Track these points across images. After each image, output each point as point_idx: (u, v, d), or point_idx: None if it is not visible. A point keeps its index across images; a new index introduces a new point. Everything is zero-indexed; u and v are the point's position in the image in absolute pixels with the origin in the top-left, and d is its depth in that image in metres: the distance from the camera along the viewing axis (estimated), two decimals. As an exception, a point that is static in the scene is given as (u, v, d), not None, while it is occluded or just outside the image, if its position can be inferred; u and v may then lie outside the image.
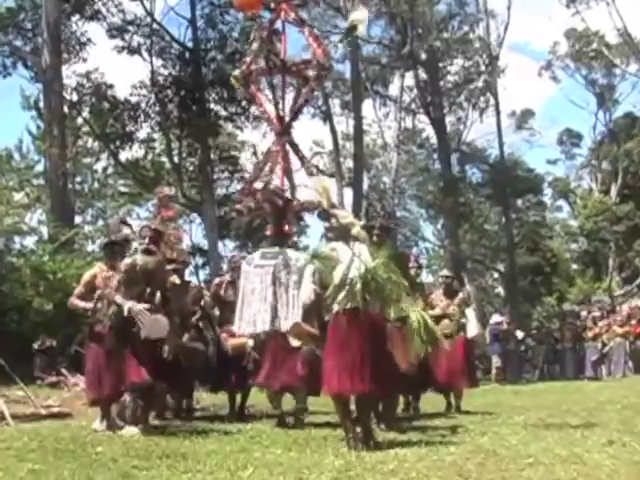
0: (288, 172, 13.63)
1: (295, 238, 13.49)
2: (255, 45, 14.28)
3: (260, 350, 12.26)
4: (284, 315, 11.72)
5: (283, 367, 11.55)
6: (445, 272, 15.55)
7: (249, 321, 11.95)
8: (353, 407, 9.12)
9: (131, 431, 9.99)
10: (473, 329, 14.59)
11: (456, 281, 15.96)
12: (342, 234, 9.15)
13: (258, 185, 13.50)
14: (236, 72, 14.35)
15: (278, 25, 14.16)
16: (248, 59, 14.12)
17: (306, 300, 9.06)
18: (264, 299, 11.84)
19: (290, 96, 14.62)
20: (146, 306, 10.12)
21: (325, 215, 9.58)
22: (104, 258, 11.58)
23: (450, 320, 14.01)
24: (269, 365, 11.69)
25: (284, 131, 13.66)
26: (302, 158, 14.15)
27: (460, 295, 14.74)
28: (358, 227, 9.32)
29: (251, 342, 12.65)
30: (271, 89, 14.09)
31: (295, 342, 10.88)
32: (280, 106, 13.80)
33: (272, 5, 13.99)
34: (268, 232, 12.90)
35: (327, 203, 9.60)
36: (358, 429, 8.73)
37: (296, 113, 13.97)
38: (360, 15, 14.40)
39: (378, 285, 8.64)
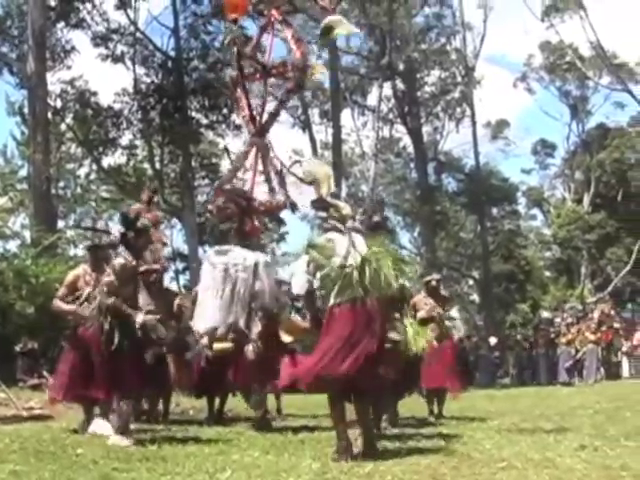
0: (266, 174, 13.60)
1: (262, 238, 13.44)
2: (247, 50, 14.30)
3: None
4: (234, 313, 11.68)
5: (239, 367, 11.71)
6: (434, 275, 14.99)
7: (203, 318, 11.91)
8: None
9: (124, 441, 9.32)
10: (460, 330, 14.37)
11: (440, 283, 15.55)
12: (340, 225, 8.67)
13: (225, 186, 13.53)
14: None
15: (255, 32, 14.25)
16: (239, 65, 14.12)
17: (299, 291, 8.59)
18: (218, 296, 11.78)
19: (270, 99, 14.64)
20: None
21: (324, 204, 8.98)
22: (89, 261, 11.24)
23: (437, 323, 13.75)
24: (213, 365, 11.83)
25: (258, 133, 13.62)
26: (271, 159, 14.08)
27: (446, 297, 14.47)
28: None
29: (205, 340, 12.60)
30: (244, 92, 14.02)
31: (287, 337, 10.73)
32: (255, 108, 13.79)
33: (265, 12, 13.98)
34: (232, 232, 12.87)
35: (327, 192, 9.10)
36: (350, 436, 8.27)
37: (273, 115, 13.94)
38: (338, 18, 14.32)
39: (377, 274, 8.24)
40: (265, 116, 13.88)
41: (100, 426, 10.21)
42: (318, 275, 8.37)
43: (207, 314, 11.86)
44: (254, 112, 13.77)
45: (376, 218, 10.19)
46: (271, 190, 13.49)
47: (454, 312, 14.44)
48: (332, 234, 8.57)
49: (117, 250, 10.08)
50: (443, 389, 13.91)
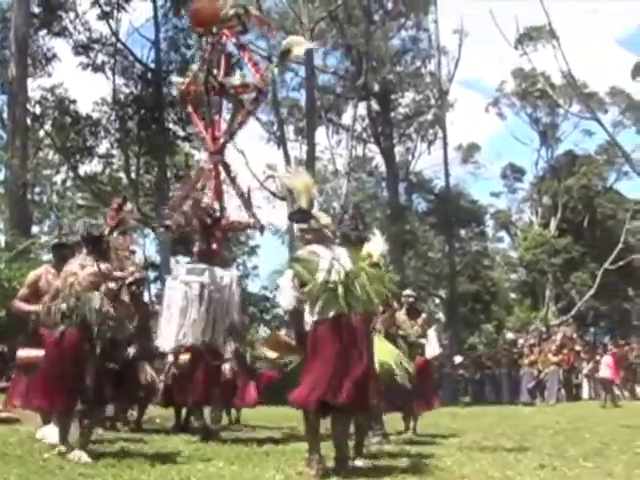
0: (219, 192, 13.51)
1: (227, 257, 13.32)
2: (195, 66, 14.27)
3: (181, 366, 12.19)
4: (208, 332, 11.54)
5: (197, 383, 11.56)
6: (408, 291, 14.39)
7: (171, 336, 11.76)
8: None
9: (84, 457, 8.37)
10: (433, 349, 14.20)
11: (418, 301, 15.23)
12: (321, 236, 8.28)
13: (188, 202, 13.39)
14: (179, 79, 14.25)
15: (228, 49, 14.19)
16: (187, 79, 14.06)
17: (287, 307, 8.23)
18: (188, 315, 11.61)
19: (226, 117, 14.58)
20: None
21: (303, 216, 8.48)
22: (53, 260, 10.64)
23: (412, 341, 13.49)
24: (184, 380, 11.72)
25: (218, 151, 13.54)
26: (233, 179, 13.97)
27: (423, 315, 14.26)
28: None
29: (171, 357, 12.52)
30: (208, 109, 13.95)
31: (271, 354, 10.46)
32: (216, 126, 13.74)
33: (214, 30, 13.88)
34: (195, 249, 12.54)
35: (307, 202, 8.52)
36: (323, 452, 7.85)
37: (232, 135, 13.88)
38: (297, 39, 14.37)
39: (362, 290, 7.91)
40: (223, 134, 13.83)
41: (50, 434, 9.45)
42: (303, 290, 7.97)
43: (174, 332, 11.72)
44: (215, 130, 13.73)
45: (353, 234, 9.70)
46: (222, 208, 13.37)
47: (431, 331, 14.18)
48: (315, 246, 8.21)
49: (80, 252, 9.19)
50: (410, 407, 13.68)
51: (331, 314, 7.80)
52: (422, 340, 13.72)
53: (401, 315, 13.30)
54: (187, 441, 10.94)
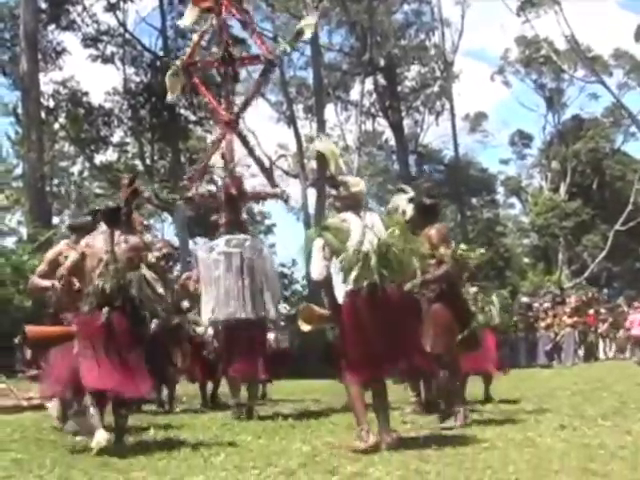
0: (229, 160, 13.24)
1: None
2: (195, 36, 14.13)
3: (220, 338, 11.97)
4: (251, 303, 11.30)
5: (243, 356, 11.23)
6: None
7: (210, 310, 11.40)
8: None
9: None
10: (498, 315, 14.06)
11: None
12: (352, 204, 7.95)
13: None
14: (177, 62, 13.94)
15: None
16: (189, 50, 13.87)
17: (318, 277, 7.83)
18: (229, 286, 11.34)
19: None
20: None
21: (333, 183, 8.25)
22: (71, 240, 9.90)
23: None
24: (229, 354, 11.42)
25: (233, 121, 13.26)
26: (251, 150, 13.75)
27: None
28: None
29: (211, 330, 12.38)
30: (223, 79, 13.71)
31: (305, 326, 10.30)
32: (230, 97, 13.53)
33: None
34: (222, 220, 12.10)
35: (335, 170, 8.28)
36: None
37: (245, 105, 13.66)
38: (310, 20, 14.35)
39: (396, 258, 7.57)
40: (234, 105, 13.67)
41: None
42: (334, 260, 7.68)
43: (213, 306, 11.48)
44: (230, 101, 13.55)
45: (427, 201, 9.64)
46: (233, 178, 13.08)
47: (495, 298, 13.92)
48: (345, 214, 7.90)
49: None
50: (487, 373, 13.58)
51: (365, 283, 7.53)
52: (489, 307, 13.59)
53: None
54: (214, 418, 11.02)
